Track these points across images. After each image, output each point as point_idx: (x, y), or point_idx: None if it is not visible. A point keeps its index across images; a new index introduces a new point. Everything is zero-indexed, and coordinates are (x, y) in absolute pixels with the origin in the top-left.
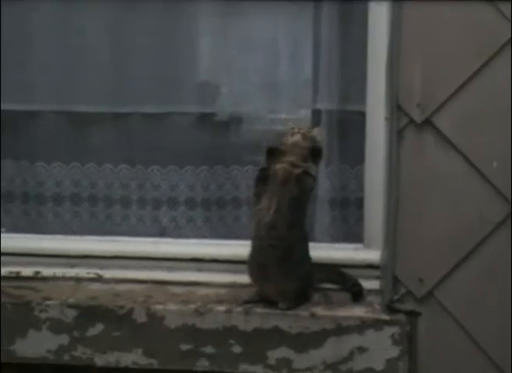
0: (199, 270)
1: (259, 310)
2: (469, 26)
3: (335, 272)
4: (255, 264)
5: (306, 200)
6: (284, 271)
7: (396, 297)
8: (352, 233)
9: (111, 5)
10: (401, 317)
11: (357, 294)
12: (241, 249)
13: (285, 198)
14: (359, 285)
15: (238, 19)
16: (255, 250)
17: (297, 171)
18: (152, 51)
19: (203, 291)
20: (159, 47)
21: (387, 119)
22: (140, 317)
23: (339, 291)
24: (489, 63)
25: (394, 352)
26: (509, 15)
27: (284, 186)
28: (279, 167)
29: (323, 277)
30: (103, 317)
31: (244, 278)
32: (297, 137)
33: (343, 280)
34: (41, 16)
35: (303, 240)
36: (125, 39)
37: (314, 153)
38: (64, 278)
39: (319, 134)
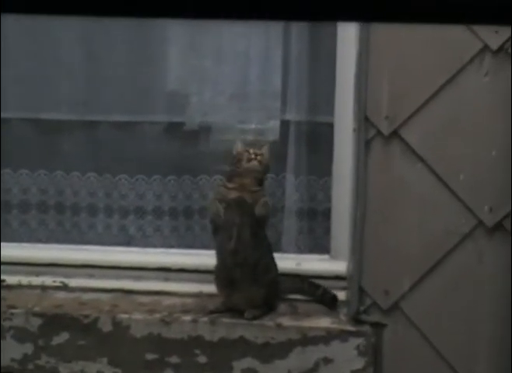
0: (166, 279)
1: (225, 320)
2: (436, 40)
3: (304, 282)
4: (221, 275)
5: (266, 223)
6: (249, 282)
7: (362, 308)
8: (319, 244)
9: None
10: (366, 328)
11: (331, 302)
12: (208, 258)
13: (245, 227)
14: (330, 292)
15: (208, 30)
16: (221, 264)
17: (253, 199)
18: (122, 60)
19: (169, 300)
20: (129, 56)
21: (354, 130)
22: (105, 326)
23: (306, 302)
24: (457, 77)
25: (360, 363)
26: (476, 30)
27: (242, 215)
28: (234, 196)
29: (292, 288)
30: (69, 326)
31: (211, 288)
32: (253, 164)
33: (313, 290)
34: (13, 25)
35: (268, 252)
36: (95, 47)
37: (265, 175)
38: (29, 286)
39: (267, 152)
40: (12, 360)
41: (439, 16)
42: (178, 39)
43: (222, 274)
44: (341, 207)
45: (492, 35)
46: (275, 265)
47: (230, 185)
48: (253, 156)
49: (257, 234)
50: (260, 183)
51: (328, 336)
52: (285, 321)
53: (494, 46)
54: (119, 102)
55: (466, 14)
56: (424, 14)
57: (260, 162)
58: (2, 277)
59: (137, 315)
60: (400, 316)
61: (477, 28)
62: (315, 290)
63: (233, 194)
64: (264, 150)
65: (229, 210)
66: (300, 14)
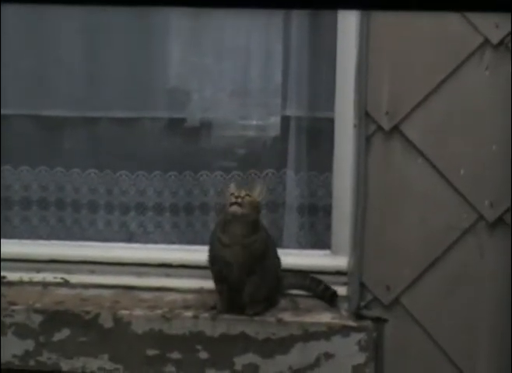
0: (167, 275)
1: (226, 316)
2: (437, 35)
3: (305, 278)
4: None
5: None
6: (251, 278)
7: (363, 303)
8: (320, 240)
9: (83, 11)
10: (367, 323)
11: (331, 298)
12: None
13: (244, 266)
14: (331, 289)
15: (209, 26)
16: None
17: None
18: (123, 56)
19: (170, 296)
20: (130, 52)
21: (355, 126)
22: (107, 322)
23: (307, 297)
24: (457, 71)
25: (361, 358)
26: (477, 24)
27: (238, 261)
28: (227, 255)
29: (293, 284)
30: (70, 322)
31: (212, 284)
32: (233, 209)
33: (314, 285)
34: (13, 21)
35: (270, 249)
36: (96, 44)
37: (256, 217)
38: (30, 283)
39: (259, 192)
40: (14, 356)
41: (439, 3)
42: (179, 35)
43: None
44: (342, 202)
45: (493, 29)
46: (277, 261)
47: (223, 238)
48: (233, 200)
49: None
50: (253, 227)
51: (329, 332)
52: (287, 316)
53: (494, 40)
54: (120, 99)
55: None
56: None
57: (241, 204)
58: (3, 274)
59: (138, 311)
60: (401, 311)
61: (477, 22)
62: (316, 286)
63: (227, 247)
64: (255, 191)
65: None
66: (300, 2)
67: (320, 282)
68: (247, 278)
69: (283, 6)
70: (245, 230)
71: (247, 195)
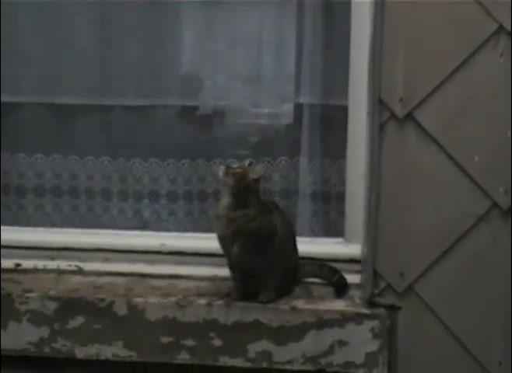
0: (180, 263)
1: (240, 303)
2: (452, 21)
3: (321, 266)
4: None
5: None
6: (265, 268)
7: (376, 291)
8: (334, 227)
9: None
10: (381, 311)
11: (341, 289)
12: None
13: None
14: (344, 279)
15: (222, 13)
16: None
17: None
18: (135, 44)
19: (184, 284)
20: (143, 40)
21: (369, 113)
22: (121, 310)
23: (321, 285)
24: (471, 58)
25: (374, 346)
26: (491, 10)
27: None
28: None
29: (309, 271)
30: (84, 309)
31: (225, 271)
32: (220, 175)
33: (329, 274)
34: (27, 9)
35: (285, 240)
36: (109, 31)
37: (243, 191)
38: (44, 270)
39: (255, 171)
40: (29, 343)
41: None
42: (192, 22)
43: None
44: (356, 190)
45: (508, 15)
46: (293, 249)
47: (215, 210)
48: (222, 168)
49: (257, 246)
50: (241, 202)
51: (343, 319)
52: (300, 304)
53: (509, 26)
54: (133, 87)
55: None
56: None
57: (233, 174)
58: (18, 261)
59: (152, 299)
60: (414, 299)
61: (492, 8)
62: (332, 275)
63: (216, 227)
64: (252, 169)
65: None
66: None
67: (336, 271)
68: (249, 262)
69: None
70: (232, 203)
71: (238, 168)
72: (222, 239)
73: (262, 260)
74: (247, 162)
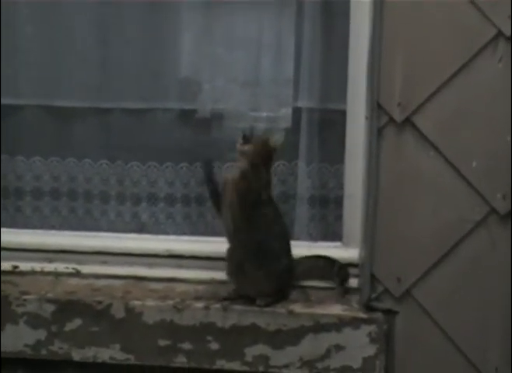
0: (178, 266)
1: (237, 307)
2: (451, 26)
3: (316, 260)
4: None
5: (250, 202)
6: (260, 268)
7: (374, 295)
8: (331, 231)
9: (96, 1)
10: (378, 315)
11: (343, 279)
12: (220, 245)
13: (232, 205)
14: (346, 269)
15: (221, 17)
16: (231, 248)
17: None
18: (134, 47)
19: (182, 287)
20: (142, 43)
21: (367, 118)
22: (118, 312)
23: (318, 289)
24: (470, 63)
25: (371, 350)
26: (490, 16)
27: (226, 194)
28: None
29: (305, 271)
30: (81, 312)
31: (223, 275)
32: (238, 146)
33: (328, 267)
34: (25, 11)
35: (278, 237)
36: (108, 34)
37: (264, 158)
38: (42, 273)
39: (276, 139)
40: (26, 345)
41: None
42: (191, 25)
43: (232, 258)
44: (354, 194)
45: (506, 21)
46: (287, 252)
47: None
48: (241, 135)
49: (246, 213)
50: (256, 169)
51: (340, 323)
52: (297, 308)
53: (508, 32)
54: (131, 89)
55: None
56: None
57: (246, 142)
58: (16, 264)
59: (149, 302)
60: (412, 303)
61: (491, 14)
62: (331, 267)
63: (228, 175)
64: (273, 137)
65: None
66: None
67: (334, 262)
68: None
69: None
70: (247, 167)
71: (258, 137)
72: (226, 186)
73: (254, 231)
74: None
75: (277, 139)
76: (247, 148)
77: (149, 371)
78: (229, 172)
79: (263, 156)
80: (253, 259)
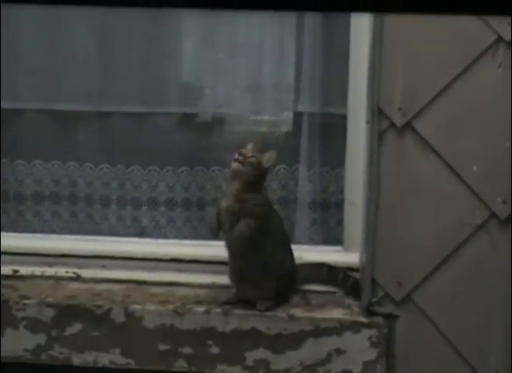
0: (179, 270)
1: (237, 311)
2: (450, 32)
3: (321, 269)
4: (233, 265)
5: (253, 244)
6: (261, 273)
7: (374, 299)
8: (332, 236)
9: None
10: (379, 320)
11: (353, 288)
12: (221, 249)
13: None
14: (351, 276)
15: (222, 22)
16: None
17: (241, 208)
18: (135, 51)
19: (182, 291)
20: (143, 47)
21: (367, 122)
22: (118, 317)
23: (319, 293)
24: (470, 68)
25: (372, 354)
26: (490, 21)
27: (232, 227)
28: (224, 206)
29: (309, 277)
30: (82, 316)
31: (224, 279)
32: (234, 166)
33: (332, 276)
34: (27, 15)
35: (280, 244)
36: (109, 38)
37: (256, 179)
38: (42, 277)
39: (268, 158)
40: (25, 350)
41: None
42: (192, 31)
43: (233, 262)
44: (354, 198)
45: (506, 26)
46: (289, 257)
47: (225, 191)
48: (236, 156)
49: (252, 245)
50: (251, 188)
51: (341, 328)
52: (298, 312)
53: (508, 37)
54: (132, 94)
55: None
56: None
57: (243, 163)
58: (16, 268)
59: (150, 306)
60: (413, 308)
61: (491, 20)
62: (335, 276)
63: (224, 203)
64: (265, 155)
65: (223, 219)
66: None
67: (338, 271)
68: (245, 233)
69: (295, 9)
70: (241, 187)
71: (253, 156)
72: (225, 214)
73: (260, 254)
74: (249, 146)
75: (269, 159)
76: (241, 168)
77: None
78: (230, 187)
79: (256, 176)
80: (254, 264)
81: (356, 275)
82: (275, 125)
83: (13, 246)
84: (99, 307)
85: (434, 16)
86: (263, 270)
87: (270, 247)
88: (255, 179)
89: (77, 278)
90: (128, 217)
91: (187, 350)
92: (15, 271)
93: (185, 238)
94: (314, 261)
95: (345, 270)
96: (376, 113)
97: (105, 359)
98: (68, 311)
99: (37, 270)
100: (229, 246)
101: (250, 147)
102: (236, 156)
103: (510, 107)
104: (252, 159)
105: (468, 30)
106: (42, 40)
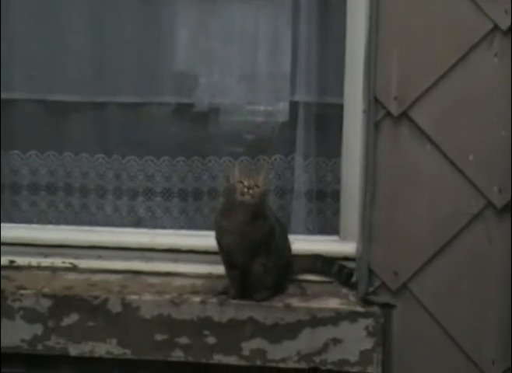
0: (175, 260)
1: (234, 301)
2: (447, 20)
3: (316, 260)
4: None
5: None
6: (255, 262)
7: (371, 289)
8: (329, 225)
9: None
10: (375, 309)
11: (347, 278)
12: None
13: (244, 251)
14: (346, 268)
15: (218, 11)
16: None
17: (247, 234)
18: (130, 41)
19: (179, 281)
20: (138, 37)
21: (364, 112)
22: (115, 307)
23: (315, 283)
24: (466, 57)
25: (369, 344)
26: (486, 10)
27: (238, 246)
28: (227, 235)
29: (304, 268)
30: (78, 307)
31: (220, 269)
32: (246, 199)
33: (327, 267)
34: (21, 6)
35: (279, 233)
36: (103, 28)
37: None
38: (39, 267)
39: (264, 179)
40: (22, 340)
41: None
42: (187, 20)
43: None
44: (351, 188)
45: (502, 15)
46: (286, 247)
47: (224, 223)
48: (245, 190)
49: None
50: (256, 216)
51: (337, 317)
52: (295, 302)
53: (504, 26)
54: (128, 84)
55: None
56: None
57: (253, 195)
58: (12, 258)
59: (146, 296)
60: (409, 297)
61: (487, 8)
62: (330, 267)
63: (227, 233)
64: (261, 179)
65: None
66: None
67: (333, 262)
68: (252, 263)
69: None
70: (247, 218)
71: (256, 186)
72: (231, 251)
73: (267, 260)
74: (236, 171)
75: (264, 178)
76: (248, 199)
77: (146, 366)
78: (231, 221)
79: (261, 203)
80: (264, 261)
81: (353, 265)
82: (271, 115)
83: (9, 237)
84: (96, 297)
85: None
86: (266, 269)
87: (272, 246)
88: (259, 206)
89: (73, 268)
90: (124, 208)
91: (183, 340)
92: (12, 262)
93: (181, 228)
94: (309, 253)
95: (341, 259)
96: (373, 102)
97: (102, 349)
98: (64, 302)
99: (34, 261)
100: (235, 247)
101: (236, 171)
102: (245, 190)
103: (505, 96)
104: (258, 190)
105: (464, 19)
106: (36, 31)
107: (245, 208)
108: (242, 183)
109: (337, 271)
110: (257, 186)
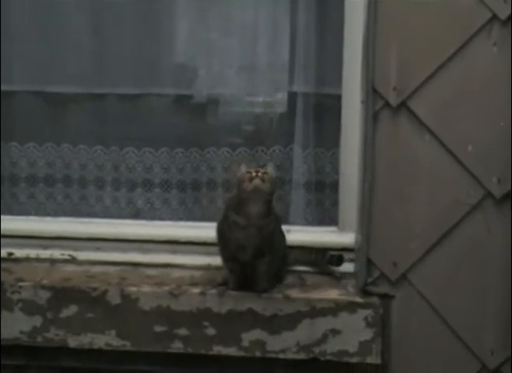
0: (174, 252)
1: (233, 292)
2: (445, 10)
3: (311, 254)
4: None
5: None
6: (264, 258)
7: (370, 280)
8: (327, 216)
9: None
10: (374, 300)
11: (338, 261)
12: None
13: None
14: (336, 254)
15: (216, 2)
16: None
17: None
18: (129, 32)
19: (178, 273)
20: (137, 28)
21: (362, 102)
22: (114, 299)
23: (314, 274)
24: (465, 47)
25: (368, 334)
26: (485, 0)
27: (250, 242)
28: (240, 232)
29: (300, 261)
30: (77, 299)
31: (219, 260)
32: (256, 183)
33: (320, 257)
34: None
35: (277, 224)
36: (103, 20)
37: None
38: (37, 259)
39: (272, 171)
40: (21, 332)
41: None
42: (186, 11)
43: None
44: (350, 179)
45: (501, 4)
46: (282, 238)
47: (239, 220)
48: (254, 174)
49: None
50: (268, 208)
51: (336, 308)
52: (294, 293)
53: (503, 15)
54: (126, 75)
55: None
56: None
57: (263, 179)
58: (11, 250)
59: (145, 288)
60: (408, 287)
61: None
62: (322, 257)
63: (241, 228)
64: (270, 169)
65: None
66: None
67: (325, 253)
68: (260, 259)
69: None
70: (262, 210)
71: (265, 172)
72: (242, 247)
73: (271, 255)
74: (243, 167)
75: (271, 171)
76: (263, 186)
77: (145, 357)
78: (247, 214)
79: (273, 192)
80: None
81: (352, 255)
82: (269, 106)
83: (8, 229)
84: (95, 289)
85: None
86: (270, 263)
87: (276, 240)
88: (271, 197)
89: (72, 260)
90: (122, 199)
91: (183, 331)
92: (10, 254)
93: (180, 219)
94: (305, 246)
95: (340, 250)
96: (371, 92)
97: (101, 341)
98: (63, 294)
99: (32, 253)
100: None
101: (244, 167)
102: (253, 174)
103: (504, 86)
104: (267, 175)
105: (463, 8)
106: (35, 22)
107: (258, 198)
108: (250, 172)
109: (328, 260)
110: (266, 173)
